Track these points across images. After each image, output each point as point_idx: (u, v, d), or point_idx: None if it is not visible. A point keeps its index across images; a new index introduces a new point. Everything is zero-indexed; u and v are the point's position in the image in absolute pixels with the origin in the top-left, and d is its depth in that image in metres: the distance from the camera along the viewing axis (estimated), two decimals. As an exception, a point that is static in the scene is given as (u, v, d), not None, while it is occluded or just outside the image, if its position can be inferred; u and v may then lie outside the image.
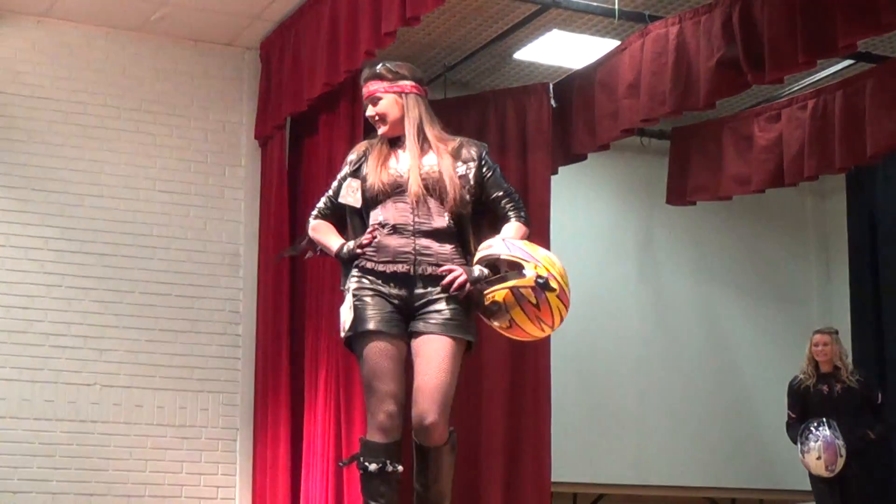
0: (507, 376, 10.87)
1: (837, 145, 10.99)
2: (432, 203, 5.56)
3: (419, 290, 5.50)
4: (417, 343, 5.45)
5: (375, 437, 5.32)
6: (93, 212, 10.48)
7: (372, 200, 5.60)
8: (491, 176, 5.84)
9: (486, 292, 5.45)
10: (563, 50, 11.52)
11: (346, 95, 10.25)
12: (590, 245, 13.04)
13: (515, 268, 5.47)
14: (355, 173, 5.73)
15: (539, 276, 5.43)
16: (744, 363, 13.81)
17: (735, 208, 13.21)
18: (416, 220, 5.54)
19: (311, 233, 5.85)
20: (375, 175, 5.59)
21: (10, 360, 10.07)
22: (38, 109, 10.49)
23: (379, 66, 5.79)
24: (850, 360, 11.64)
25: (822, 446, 10.66)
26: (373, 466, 5.27)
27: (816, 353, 11.11)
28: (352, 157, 5.82)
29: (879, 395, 11.25)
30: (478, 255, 5.56)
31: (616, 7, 10.42)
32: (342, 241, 5.69)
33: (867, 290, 13.49)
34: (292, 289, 10.72)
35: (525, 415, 10.82)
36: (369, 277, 5.49)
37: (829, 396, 10.93)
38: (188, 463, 10.53)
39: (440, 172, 5.57)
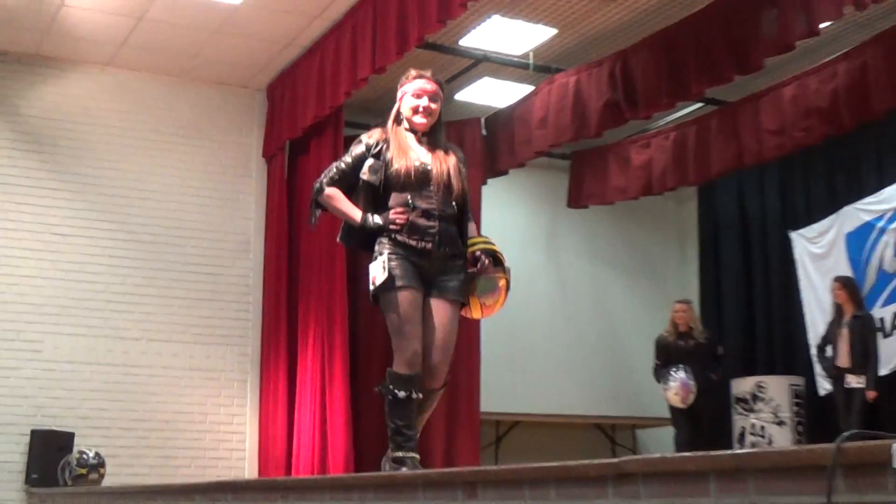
0: None
1: (691, 165, 11.29)
2: (445, 193, 5.26)
3: (438, 264, 5.23)
4: (434, 304, 5.21)
5: (403, 369, 5.09)
6: (141, 210, 10.70)
7: (396, 183, 5.21)
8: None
9: (491, 275, 5.32)
10: (491, 93, 11.57)
11: (330, 124, 10.51)
12: (511, 238, 12.26)
13: (498, 262, 5.40)
14: (376, 156, 5.27)
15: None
16: (623, 324, 13.80)
17: (617, 211, 13.34)
18: (440, 206, 5.23)
19: (325, 198, 5.30)
20: (404, 162, 5.21)
21: (81, 320, 10.31)
22: (101, 134, 10.70)
23: (440, 78, 5.50)
24: (699, 322, 11.78)
25: (678, 385, 10.80)
26: (402, 394, 5.06)
27: (676, 317, 11.27)
28: (368, 140, 5.35)
29: (720, 349, 11.44)
30: (479, 245, 5.40)
31: (531, 62, 10.65)
32: (361, 211, 5.23)
33: (711, 271, 13.73)
34: (290, 268, 10.89)
35: (461, 362, 10.57)
36: (400, 248, 5.15)
37: (685, 349, 11.05)
38: (211, 397, 10.70)
39: (452, 170, 5.31)
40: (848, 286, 10.48)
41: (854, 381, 10.05)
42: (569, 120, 10.30)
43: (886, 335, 11.13)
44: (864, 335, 10.24)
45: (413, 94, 5.36)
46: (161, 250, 10.73)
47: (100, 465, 9.33)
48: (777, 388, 11.48)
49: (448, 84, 11.04)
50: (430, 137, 5.39)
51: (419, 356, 5.11)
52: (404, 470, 4.94)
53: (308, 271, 10.76)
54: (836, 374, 10.33)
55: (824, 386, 10.87)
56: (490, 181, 11.57)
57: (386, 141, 5.31)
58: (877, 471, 2.46)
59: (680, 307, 11.37)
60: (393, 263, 5.10)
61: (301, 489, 5.03)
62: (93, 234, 10.53)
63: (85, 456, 9.33)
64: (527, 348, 13.01)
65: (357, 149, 5.35)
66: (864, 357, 10.10)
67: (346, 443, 10.17)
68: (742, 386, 11.76)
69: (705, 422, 11.13)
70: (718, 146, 11.06)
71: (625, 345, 13.61)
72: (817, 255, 12.01)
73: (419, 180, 5.22)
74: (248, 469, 10.69)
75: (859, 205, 11.64)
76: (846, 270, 11.52)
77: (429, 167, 5.25)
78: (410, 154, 5.27)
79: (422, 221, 5.17)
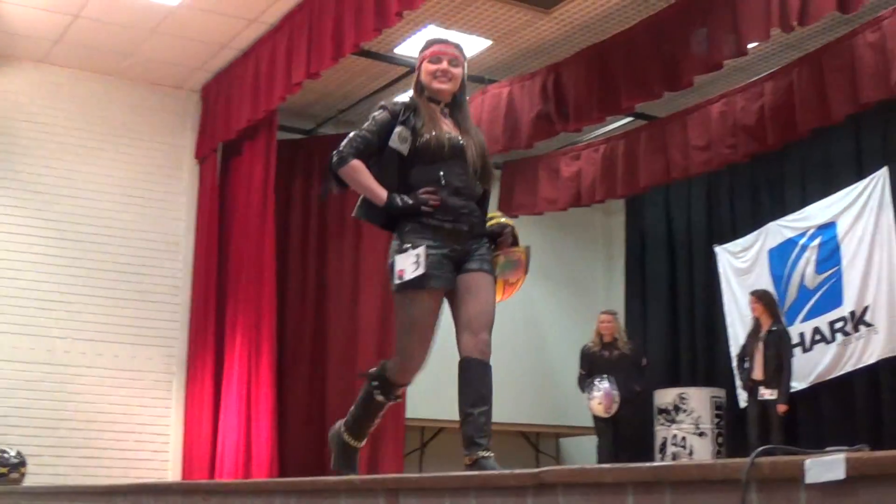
0: (377, 335, 10.91)
1: (619, 178, 11.37)
2: (476, 171, 4.79)
3: (471, 245, 4.73)
4: (470, 277, 4.72)
5: (402, 378, 4.83)
6: (71, 208, 10.60)
7: (425, 155, 4.71)
8: None
9: (511, 251, 4.92)
10: None
11: (264, 128, 10.52)
12: None
13: (514, 238, 5.02)
14: (404, 123, 4.74)
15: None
16: (549, 333, 13.80)
17: (546, 221, 13.30)
18: (471, 184, 4.77)
19: (348, 170, 4.71)
20: (436, 133, 4.71)
21: (5, 317, 10.18)
22: (34, 131, 10.59)
23: (460, 44, 5.03)
24: (624, 333, 11.84)
25: (602, 395, 10.91)
26: (380, 397, 4.81)
27: (602, 328, 11.35)
28: (394, 106, 4.82)
29: (644, 360, 11.58)
30: (495, 220, 4.98)
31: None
32: (385, 189, 4.69)
33: (637, 283, 13.78)
34: (219, 270, 10.85)
35: None
36: (432, 234, 4.63)
37: (609, 359, 11.13)
38: (136, 398, 10.60)
39: (483, 149, 4.90)
40: (763, 299, 10.68)
41: (767, 394, 10.26)
42: (500, 130, 10.34)
43: (806, 350, 11.33)
44: (779, 349, 10.44)
45: (430, 57, 4.89)
46: (90, 249, 10.62)
47: (21, 464, 9.24)
48: (699, 400, 11.54)
49: (382, 92, 11.16)
50: (454, 110, 4.91)
51: (417, 371, 4.89)
52: (339, 457, 5.08)
53: (237, 273, 10.73)
54: (750, 387, 10.53)
55: (744, 398, 10.97)
56: None
57: (413, 108, 4.81)
58: (790, 486, 2.50)
59: (605, 318, 11.45)
60: (429, 259, 4.58)
61: (223, 493, 5.00)
62: (20, 230, 10.42)
63: (6, 455, 9.25)
64: (453, 355, 12.68)
65: (381, 115, 4.82)
66: (778, 370, 10.32)
67: (271, 446, 10.18)
68: (664, 397, 11.81)
69: (628, 432, 11.22)
70: (647, 160, 11.17)
71: (550, 354, 13.65)
72: (740, 269, 12.15)
73: (451, 154, 4.74)
74: (171, 471, 10.61)
75: (782, 222, 11.81)
76: (768, 285, 11.68)
77: (461, 141, 4.78)
78: (441, 125, 4.79)
79: (455, 201, 4.70)
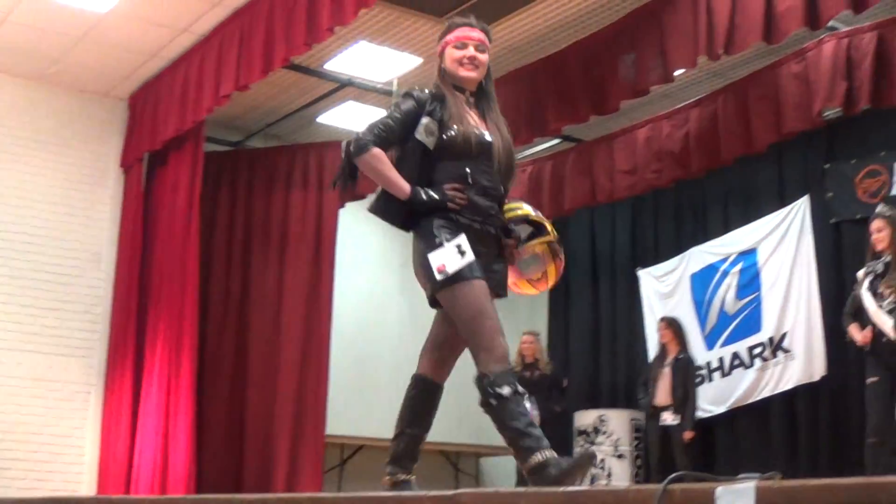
0: (298, 355, 10.88)
1: (546, 199, 11.39)
2: (502, 170, 4.49)
3: (494, 250, 4.49)
4: None
5: (496, 367, 4.24)
6: None
7: (451, 151, 4.40)
8: None
9: (532, 247, 4.57)
10: (355, 117, 11.51)
11: (191, 139, 10.45)
12: (365, 264, 13.04)
13: (536, 227, 4.66)
14: (431, 114, 4.42)
15: (556, 236, 4.67)
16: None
17: None
18: (497, 184, 4.47)
19: (370, 158, 4.35)
20: (464, 128, 4.41)
21: None
22: None
23: (486, 26, 4.68)
24: (546, 354, 11.94)
25: None
26: (506, 390, 4.21)
27: (523, 348, 11.41)
28: (420, 95, 4.49)
29: (565, 381, 11.70)
30: (510, 213, 4.63)
31: (395, 89, 10.62)
32: (408, 182, 4.37)
33: (560, 304, 13.81)
34: (141, 281, 10.71)
35: (308, 384, 10.76)
36: (464, 232, 4.30)
37: (530, 379, 11.10)
38: (53, 409, 10.40)
39: (509, 145, 4.57)
40: (672, 326, 10.90)
41: (670, 419, 10.40)
42: None
43: (725, 374, 11.49)
44: (685, 376, 10.58)
45: (454, 43, 4.58)
46: (10, 256, 10.40)
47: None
48: (618, 422, 11.60)
49: (312, 107, 11.29)
50: (480, 100, 4.63)
51: (508, 349, 4.36)
52: (554, 471, 4.06)
53: (159, 285, 10.61)
54: (651, 412, 10.64)
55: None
56: (348, 204, 11.54)
57: (440, 99, 4.49)
58: (701, 513, 2.52)
59: (527, 339, 11.52)
60: (470, 252, 4.26)
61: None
62: (-60, 237, 10.25)
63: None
64: (375, 372, 12.90)
65: (406, 103, 4.49)
66: (684, 398, 10.46)
67: (189, 461, 10.06)
68: (584, 418, 11.85)
69: None
70: (573, 182, 11.23)
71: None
72: (663, 293, 12.27)
73: (478, 151, 4.44)
74: (86, 484, 10.43)
75: (705, 247, 11.96)
76: (690, 310, 11.84)
77: (488, 137, 4.48)
78: (468, 118, 4.49)
79: (482, 201, 4.41)
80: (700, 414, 11.41)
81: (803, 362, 10.83)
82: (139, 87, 10.88)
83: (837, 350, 10.10)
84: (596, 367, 13.25)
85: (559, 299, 13.82)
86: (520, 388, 4.27)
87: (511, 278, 4.63)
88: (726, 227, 11.92)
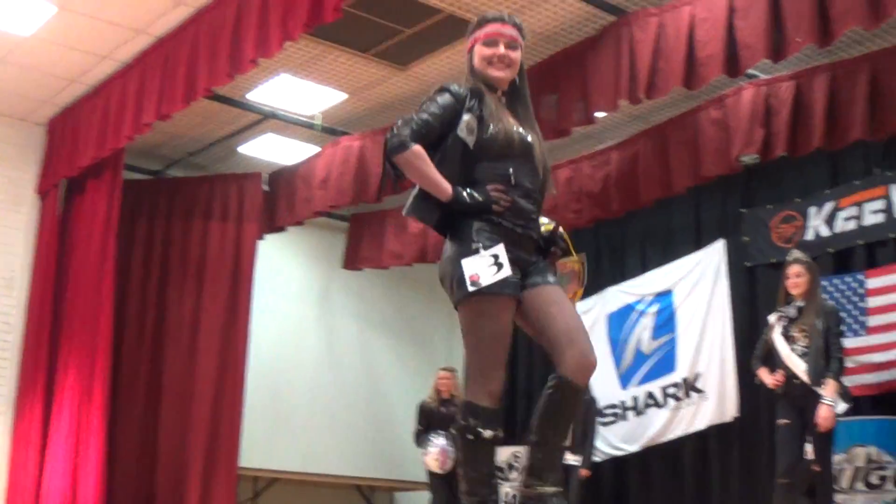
0: (212, 386, 10.85)
1: None
2: (543, 172, 4.24)
3: (534, 256, 4.20)
4: (544, 291, 4.12)
5: (486, 402, 4.00)
6: None
7: (490, 150, 4.11)
8: None
9: (564, 262, 4.27)
10: (276, 150, 11.59)
11: (109, 166, 10.39)
12: (283, 295, 13.04)
13: (565, 244, 4.37)
14: (471, 111, 4.13)
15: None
16: (388, 387, 13.79)
17: (391, 276, 13.45)
18: (539, 187, 4.23)
19: (408, 156, 4.03)
20: (504, 125, 4.13)
21: None
22: None
23: (519, 20, 4.37)
24: (462, 391, 11.85)
25: (438, 451, 10.86)
26: (488, 433, 3.99)
27: (440, 384, 11.34)
28: (459, 90, 4.18)
29: None
30: (544, 228, 4.30)
31: (317, 122, 10.72)
32: (449, 183, 4.06)
33: None
34: (54, 308, 10.58)
35: (223, 415, 10.75)
36: (503, 238, 4.03)
37: (446, 416, 10.93)
38: None
39: (547, 159, 4.33)
40: None
41: (572, 459, 10.36)
42: (350, 183, 10.38)
43: (639, 413, 11.53)
44: (585, 417, 10.54)
45: (484, 40, 4.28)
46: (-79, 282, 10.23)
47: None
48: None
49: (234, 137, 11.23)
50: (513, 101, 4.34)
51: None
52: None
53: (73, 313, 10.50)
54: None
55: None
56: (267, 236, 11.56)
57: (479, 95, 4.20)
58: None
59: (444, 375, 11.44)
60: (507, 263, 4.00)
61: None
62: None
63: None
64: (291, 404, 12.88)
65: (444, 98, 4.17)
66: (583, 437, 10.45)
67: (98, 490, 9.99)
68: (499, 455, 11.55)
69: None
70: None
71: (389, 408, 13.61)
72: None
73: (521, 151, 4.17)
74: (-6, 511, 10.30)
75: (622, 287, 12.01)
76: (606, 349, 11.84)
77: (529, 138, 4.22)
78: (508, 118, 4.22)
79: (525, 203, 4.13)
80: (614, 452, 11.55)
81: (716, 403, 10.87)
82: (59, 113, 10.77)
83: (750, 391, 10.13)
84: (512, 405, 13.17)
85: None
86: (500, 433, 4.05)
87: None
88: (644, 268, 11.99)
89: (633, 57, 8.24)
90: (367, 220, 12.44)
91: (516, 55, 4.26)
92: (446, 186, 4.04)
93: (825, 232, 10.27)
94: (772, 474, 8.43)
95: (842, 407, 8.18)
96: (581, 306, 12.29)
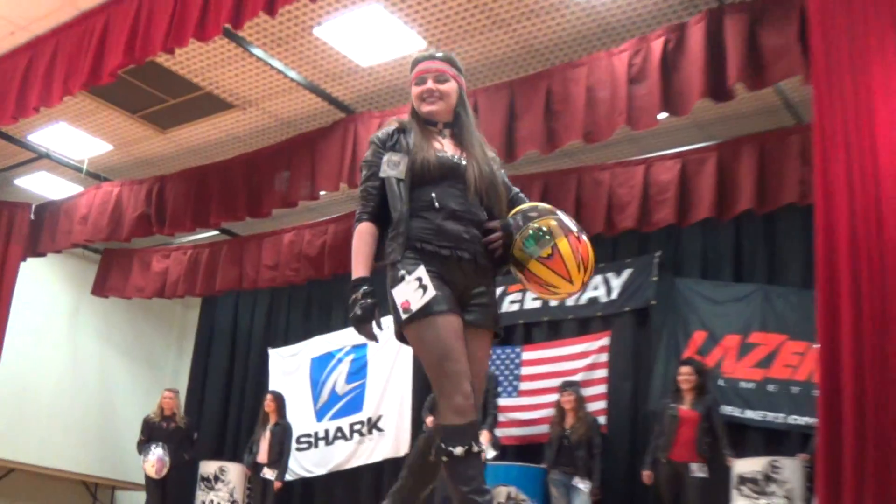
0: None
1: (200, 280, 11.38)
2: (477, 194, 3.79)
3: (475, 279, 3.76)
4: (471, 334, 3.69)
5: (453, 419, 3.51)
6: None
7: (416, 176, 3.75)
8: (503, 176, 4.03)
9: (533, 222, 3.74)
10: (46, 185, 11.36)
11: None
12: (38, 311, 12.73)
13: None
14: (393, 148, 3.82)
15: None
16: (121, 399, 13.57)
17: (134, 305, 13.37)
18: (471, 209, 3.78)
19: (355, 234, 3.78)
20: (425, 155, 3.76)
21: None
22: None
23: (450, 53, 4.01)
24: (182, 409, 11.85)
25: (155, 459, 10.89)
26: (458, 450, 3.48)
27: (164, 402, 11.26)
28: (382, 136, 3.88)
29: (195, 434, 11.63)
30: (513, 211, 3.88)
31: (85, 167, 10.62)
32: (363, 269, 3.71)
33: (201, 367, 13.77)
34: None
35: None
36: (431, 261, 3.65)
37: (166, 430, 11.01)
38: None
39: (493, 178, 3.88)
40: (276, 400, 10.95)
41: (269, 474, 10.52)
42: (106, 222, 10.26)
43: (329, 443, 11.74)
44: (282, 439, 10.71)
45: (414, 80, 3.95)
46: None
47: None
48: (234, 473, 11.45)
49: (12, 170, 10.87)
50: (456, 128, 3.95)
51: (470, 397, 3.55)
52: None
53: None
54: (254, 465, 10.75)
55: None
56: (30, 259, 11.32)
57: (403, 130, 3.90)
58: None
59: (168, 394, 11.40)
60: (434, 283, 3.59)
61: None
62: None
63: None
64: (33, 406, 12.54)
65: (369, 153, 3.89)
66: (279, 455, 10.59)
67: None
68: (208, 467, 11.69)
69: (173, 493, 11.19)
70: (225, 268, 11.29)
71: (120, 417, 13.38)
72: (287, 371, 12.44)
73: (442, 174, 3.77)
74: None
75: (326, 337, 12.27)
76: (306, 387, 12.07)
77: (456, 159, 3.82)
78: (434, 143, 3.85)
79: (451, 225, 3.72)
80: (304, 474, 11.70)
81: (393, 440, 11.24)
82: None
83: (419, 433, 9.98)
84: (224, 425, 13.21)
85: (200, 364, 13.80)
86: (475, 447, 3.52)
87: (523, 277, 3.82)
88: (345, 324, 11.88)
89: (356, 149, 8.48)
90: (117, 255, 12.23)
91: (447, 87, 3.90)
92: (359, 271, 3.70)
93: (495, 311, 10.95)
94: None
95: (491, 453, 8.68)
96: (287, 351, 12.55)
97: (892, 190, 4.42)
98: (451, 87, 3.91)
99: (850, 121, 4.57)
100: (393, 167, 3.77)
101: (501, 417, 10.00)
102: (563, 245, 3.70)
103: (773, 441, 8.82)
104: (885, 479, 4.07)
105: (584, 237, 3.74)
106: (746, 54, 6.39)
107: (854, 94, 4.55)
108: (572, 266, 3.70)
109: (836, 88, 4.64)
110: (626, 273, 10.20)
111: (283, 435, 10.79)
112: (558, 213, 3.79)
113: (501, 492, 9.42)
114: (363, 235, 3.75)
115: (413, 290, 3.57)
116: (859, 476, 4.20)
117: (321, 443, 11.87)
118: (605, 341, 10.27)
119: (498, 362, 10.55)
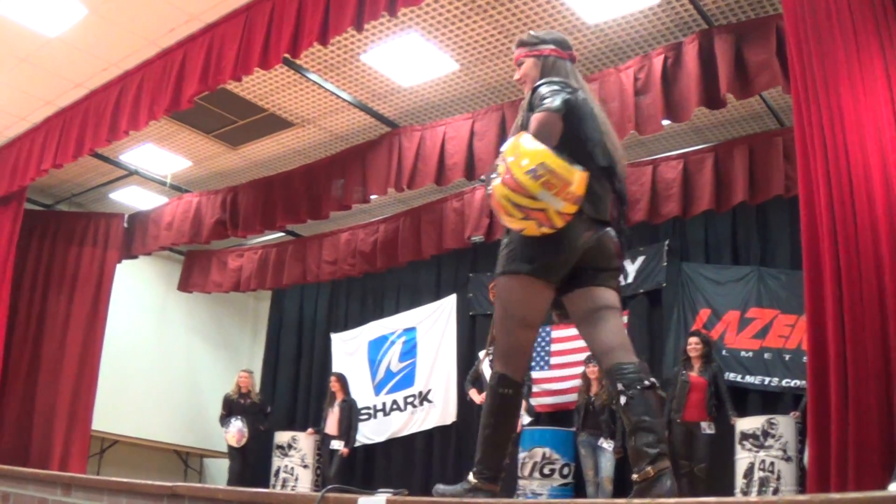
0: (75, 368, 10.50)
1: (269, 275, 11.40)
2: None
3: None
4: None
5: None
6: None
7: None
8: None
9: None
10: (137, 198, 11.36)
11: (15, 198, 9.95)
12: (132, 305, 12.73)
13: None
14: None
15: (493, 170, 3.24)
16: (205, 378, 13.54)
17: (213, 298, 13.38)
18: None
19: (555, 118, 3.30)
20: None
21: None
22: None
23: (521, 38, 3.72)
24: (257, 387, 11.86)
25: (235, 431, 10.90)
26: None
27: (240, 381, 11.12)
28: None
29: (269, 408, 11.59)
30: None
31: (168, 181, 10.64)
32: None
33: (273, 351, 13.61)
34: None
35: (82, 391, 10.43)
36: None
37: (244, 405, 10.98)
38: None
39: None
40: (340, 380, 10.91)
41: (338, 445, 10.50)
42: (188, 227, 10.31)
43: (386, 414, 11.71)
44: (349, 414, 10.68)
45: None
46: None
47: None
48: (306, 442, 11.45)
49: (107, 186, 10.85)
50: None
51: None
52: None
53: None
54: (323, 438, 10.79)
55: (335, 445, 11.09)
56: (125, 261, 11.36)
57: None
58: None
59: (243, 374, 11.38)
60: None
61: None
62: None
63: None
64: (132, 385, 12.51)
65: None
66: (347, 429, 10.58)
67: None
68: (282, 437, 11.69)
69: (252, 460, 11.20)
70: (290, 265, 11.26)
71: (204, 395, 13.39)
72: (348, 352, 12.45)
73: None
74: None
75: (380, 322, 12.26)
76: (365, 366, 12.06)
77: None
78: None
79: None
80: (365, 441, 11.64)
81: (441, 410, 11.23)
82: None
83: (464, 404, 10.40)
84: (294, 400, 13.17)
85: (273, 348, 13.67)
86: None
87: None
88: (397, 310, 12.22)
89: (401, 158, 8.52)
90: (198, 256, 12.24)
91: (519, 73, 3.67)
92: None
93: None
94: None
95: (527, 419, 8.73)
96: (347, 335, 12.47)
97: (862, 182, 4.46)
98: (521, 70, 3.67)
99: (825, 124, 4.61)
100: None
101: (535, 388, 10.01)
102: (515, 165, 3.18)
103: (770, 402, 8.80)
104: (865, 428, 4.12)
105: (490, 187, 3.21)
106: (734, 68, 6.45)
107: (827, 101, 4.59)
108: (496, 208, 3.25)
109: (812, 96, 4.68)
110: (640, 260, 10.13)
111: (349, 410, 10.80)
112: (497, 161, 3.26)
113: (537, 452, 9.44)
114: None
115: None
116: (843, 428, 4.25)
117: (379, 414, 11.89)
118: (623, 320, 10.23)
119: (531, 340, 10.48)
